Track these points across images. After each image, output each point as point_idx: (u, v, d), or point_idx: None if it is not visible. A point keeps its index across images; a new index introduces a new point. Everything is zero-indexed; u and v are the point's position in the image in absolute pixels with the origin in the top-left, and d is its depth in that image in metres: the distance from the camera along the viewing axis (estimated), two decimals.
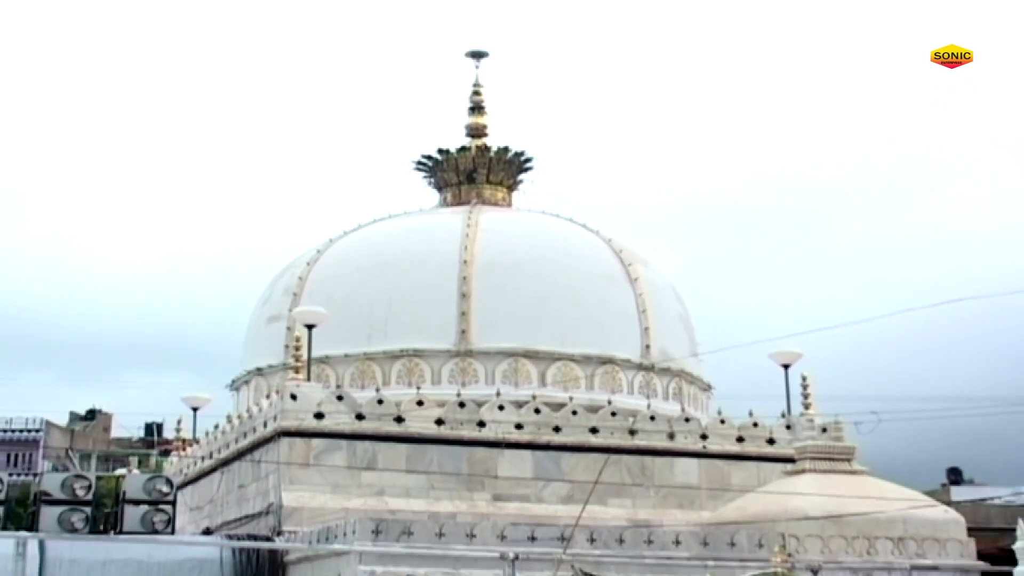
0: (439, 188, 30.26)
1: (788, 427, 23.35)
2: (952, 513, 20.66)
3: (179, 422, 28.76)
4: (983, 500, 30.57)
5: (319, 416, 20.58)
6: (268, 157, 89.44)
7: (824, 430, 21.25)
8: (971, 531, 20.41)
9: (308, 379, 21.62)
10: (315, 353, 22.16)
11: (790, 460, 21.25)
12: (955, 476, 48.14)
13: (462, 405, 21.69)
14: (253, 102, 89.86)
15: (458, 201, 29.22)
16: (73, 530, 17.05)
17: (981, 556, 19.97)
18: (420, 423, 21.17)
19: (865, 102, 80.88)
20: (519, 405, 22.14)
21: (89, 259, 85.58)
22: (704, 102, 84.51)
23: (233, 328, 31.22)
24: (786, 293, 69.52)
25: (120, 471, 36.21)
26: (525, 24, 78.33)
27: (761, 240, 76.75)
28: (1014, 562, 16.56)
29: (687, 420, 23.19)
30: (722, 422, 23.33)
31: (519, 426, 21.73)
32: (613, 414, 22.59)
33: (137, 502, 17.75)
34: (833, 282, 69.99)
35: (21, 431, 59.71)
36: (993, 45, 57.12)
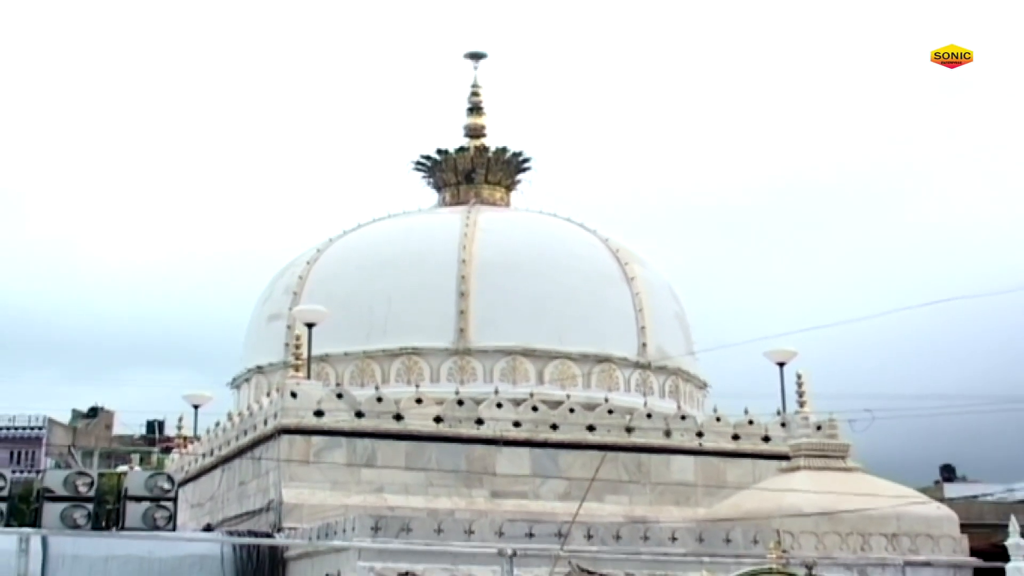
0: (438, 188, 30.37)
1: (783, 425, 23.47)
2: (945, 510, 20.78)
3: (180, 419, 28.86)
4: (976, 497, 30.73)
5: (319, 414, 20.73)
6: (268, 157, 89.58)
7: (819, 428, 21.40)
8: (964, 527, 20.52)
9: (308, 377, 21.76)
10: (315, 351, 22.29)
11: (785, 457, 21.40)
12: (948, 473, 48.43)
13: (461, 403, 21.83)
14: (253, 103, 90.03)
15: (457, 201, 29.32)
16: (75, 526, 17.09)
17: (974, 552, 20.07)
18: (419, 421, 21.31)
19: (862, 102, 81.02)
20: (517, 403, 22.27)
21: (91, 259, 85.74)
22: (701, 102, 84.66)
23: (234, 327, 31.32)
24: (781, 292, 69.66)
25: (122, 468, 36.23)
26: (523, 25, 78.50)
27: (757, 240, 76.95)
28: (1006, 558, 16.67)
29: (683, 418, 23.31)
30: (718, 420, 23.48)
31: (517, 424, 21.87)
32: (610, 412, 22.71)
33: (139, 499, 17.78)
34: (828, 282, 70.19)
35: (24, 428, 59.92)
36: (993, 45, 57.27)
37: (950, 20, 64.14)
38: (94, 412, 66.31)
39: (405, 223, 27.70)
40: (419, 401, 21.60)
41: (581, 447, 21.94)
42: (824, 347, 29.62)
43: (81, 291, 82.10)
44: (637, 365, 25.19)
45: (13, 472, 23.23)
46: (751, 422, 23.56)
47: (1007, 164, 71.65)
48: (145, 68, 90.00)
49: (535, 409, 22.15)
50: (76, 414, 66.38)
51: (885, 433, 20.68)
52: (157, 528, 17.57)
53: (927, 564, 19.20)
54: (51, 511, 17.22)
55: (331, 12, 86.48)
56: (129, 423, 62.29)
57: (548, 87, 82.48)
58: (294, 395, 20.69)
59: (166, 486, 18.01)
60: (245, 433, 22.38)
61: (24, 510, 18.64)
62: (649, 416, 22.95)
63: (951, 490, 36.17)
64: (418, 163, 30.70)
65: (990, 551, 19.15)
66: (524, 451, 21.78)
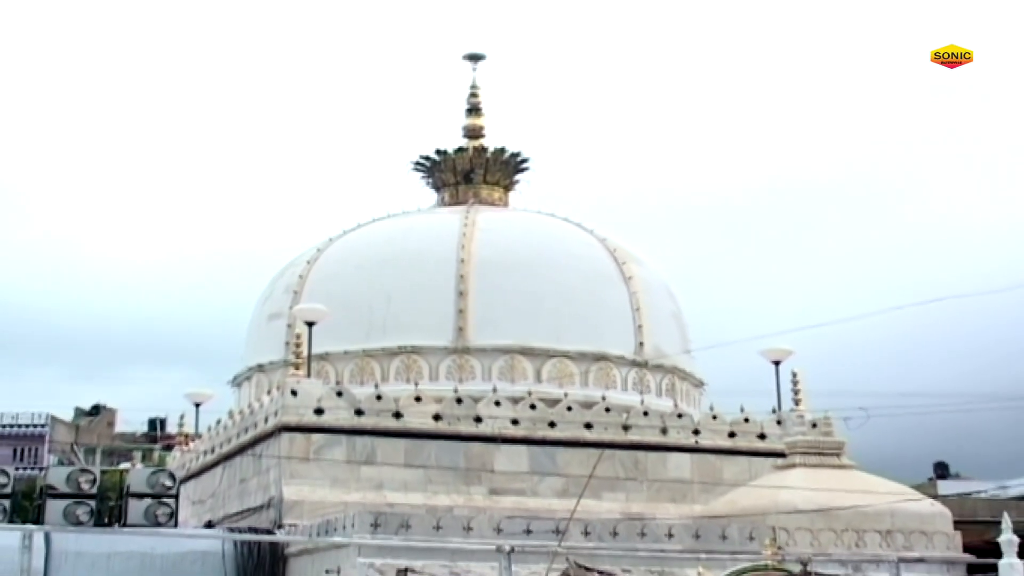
0: (437, 188, 30.45)
1: (779, 422, 23.59)
2: (939, 507, 20.89)
3: (182, 417, 29.03)
4: (969, 494, 30.81)
5: (319, 412, 20.87)
6: (268, 157, 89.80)
7: (814, 425, 21.41)
8: (957, 524, 20.65)
9: (308, 375, 21.88)
10: (315, 350, 22.40)
11: (780, 455, 21.46)
12: (942, 470, 48.58)
13: (459, 401, 21.97)
14: (254, 103, 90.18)
15: (455, 201, 29.39)
16: (78, 523, 17.26)
17: (967, 549, 20.18)
18: (418, 419, 21.45)
19: (861, 102, 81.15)
20: (515, 401, 22.40)
21: (94, 258, 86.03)
22: (698, 103, 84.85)
23: (235, 325, 31.43)
24: (777, 292, 69.85)
25: (124, 465, 36.50)
26: (522, 27, 78.71)
27: (753, 239, 77.12)
28: (999, 554, 16.87)
29: (680, 416, 23.43)
30: (714, 418, 23.61)
31: (515, 421, 21.99)
32: (607, 410, 22.85)
33: (141, 496, 17.98)
34: (824, 281, 70.43)
35: (27, 426, 60.15)
36: (993, 45, 57.36)
37: (950, 20, 64.30)
38: (96, 410, 66.59)
39: (404, 223, 27.79)
40: (418, 399, 21.74)
41: (578, 445, 22.06)
42: (819, 346, 29.79)
43: (84, 290, 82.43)
44: (634, 363, 25.28)
45: (16, 469, 23.32)
46: (747, 420, 23.68)
47: (1005, 164, 71.83)
48: (147, 68, 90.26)
49: (533, 407, 22.29)
50: (79, 412, 66.67)
51: (879, 431, 20.82)
52: (159, 525, 17.76)
53: (921, 560, 19.20)
54: (54, 508, 17.41)
55: (331, 14, 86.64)
56: (131, 421, 62.65)
57: (547, 88, 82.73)
58: (294, 393, 20.82)
59: (168, 483, 18.21)
60: (246, 431, 22.52)
61: (27, 507, 18.85)
62: (646, 414, 23.07)
63: (945, 487, 36.24)
64: (417, 163, 30.80)
65: (983, 547, 19.24)
66: (522, 449, 21.91)
